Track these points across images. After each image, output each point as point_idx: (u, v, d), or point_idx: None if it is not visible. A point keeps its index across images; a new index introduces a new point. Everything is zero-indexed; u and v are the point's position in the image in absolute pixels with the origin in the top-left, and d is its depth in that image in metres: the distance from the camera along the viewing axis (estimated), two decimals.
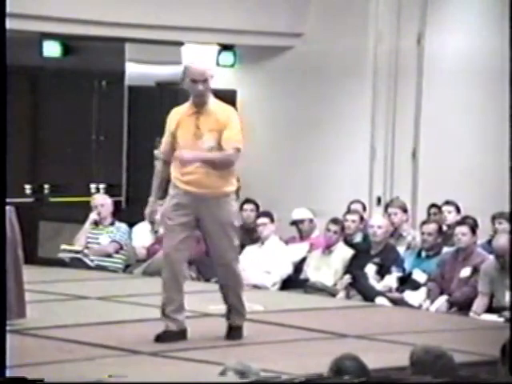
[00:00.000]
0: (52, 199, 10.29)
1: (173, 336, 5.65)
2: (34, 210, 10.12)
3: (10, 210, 6.17)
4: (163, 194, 5.84)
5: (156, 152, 10.31)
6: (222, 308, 6.87)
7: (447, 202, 9.00)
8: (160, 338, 5.63)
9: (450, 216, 8.85)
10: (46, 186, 10.29)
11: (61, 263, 9.06)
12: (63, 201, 10.18)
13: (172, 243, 5.61)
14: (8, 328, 5.64)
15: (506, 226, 8.22)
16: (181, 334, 5.68)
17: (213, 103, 5.79)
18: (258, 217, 9.02)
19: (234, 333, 5.82)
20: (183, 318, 5.70)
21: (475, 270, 7.56)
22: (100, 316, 6.21)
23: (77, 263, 8.92)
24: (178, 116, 5.74)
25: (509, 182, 5.66)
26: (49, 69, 10.16)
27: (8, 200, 5.72)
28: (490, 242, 8.10)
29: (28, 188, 10.35)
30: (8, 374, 4.29)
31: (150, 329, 6.04)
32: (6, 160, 5.45)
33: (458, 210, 8.95)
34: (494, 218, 8.43)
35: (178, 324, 5.68)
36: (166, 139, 5.76)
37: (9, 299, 6.01)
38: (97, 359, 5.31)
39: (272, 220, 8.83)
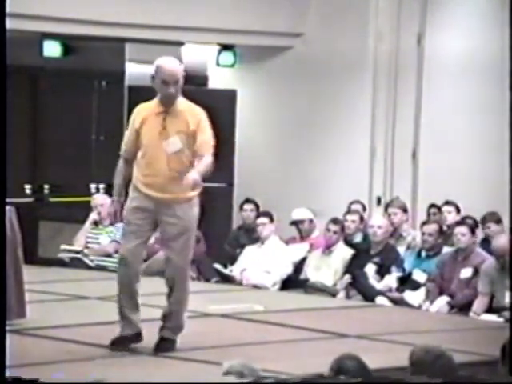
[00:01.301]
0: (52, 199, 10.29)
1: (127, 341, 5.46)
2: (34, 210, 10.12)
3: (10, 210, 6.17)
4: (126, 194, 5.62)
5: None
6: (222, 308, 6.87)
7: (447, 203, 9.01)
8: (115, 344, 5.45)
9: (450, 216, 8.85)
10: (46, 186, 10.28)
11: (61, 263, 9.06)
12: (63, 201, 10.17)
13: (129, 246, 5.43)
14: (8, 328, 5.64)
15: (494, 228, 8.15)
16: (135, 338, 5.49)
17: (181, 103, 5.59)
18: (257, 217, 9.02)
19: (164, 345, 5.50)
20: (138, 319, 5.51)
21: (476, 272, 7.56)
22: (100, 316, 6.20)
23: (77, 263, 8.92)
24: (144, 114, 5.47)
25: (509, 182, 5.66)
26: (49, 69, 10.15)
27: (8, 200, 5.72)
28: (483, 242, 8.09)
29: (28, 188, 10.34)
30: (8, 374, 4.29)
31: (150, 329, 6.04)
32: (6, 160, 5.44)
33: (457, 210, 8.94)
34: (484, 221, 8.30)
35: (132, 327, 5.49)
36: (129, 137, 5.50)
37: (9, 299, 6.01)
38: (97, 359, 5.30)
39: (272, 220, 8.83)
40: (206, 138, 5.55)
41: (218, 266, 8.93)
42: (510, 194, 5.58)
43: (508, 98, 5.91)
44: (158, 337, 5.56)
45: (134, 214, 5.43)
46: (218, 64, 10.67)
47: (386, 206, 9.26)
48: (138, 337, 5.51)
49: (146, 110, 5.50)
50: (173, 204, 5.43)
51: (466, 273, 7.65)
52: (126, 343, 5.47)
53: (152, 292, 5.99)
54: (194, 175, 5.37)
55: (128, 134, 5.54)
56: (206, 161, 5.49)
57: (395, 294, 7.93)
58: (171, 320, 5.58)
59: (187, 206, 5.47)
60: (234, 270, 8.86)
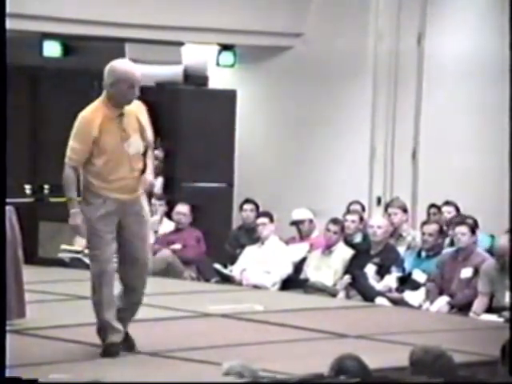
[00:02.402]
0: (52, 199, 10.28)
1: (119, 347, 5.40)
2: (34, 210, 10.12)
3: (9, 210, 6.16)
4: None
5: (156, 152, 10.36)
6: (222, 308, 6.87)
7: (447, 203, 9.01)
8: (106, 353, 5.36)
9: (450, 216, 8.85)
10: (46, 186, 10.28)
11: (61, 263, 9.06)
12: (63, 201, 10.16)
13: (106, 256, 5.37)
14: (8, 328, 5.64)
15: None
16: (127, 343, 5.45)
17: None
18: (257, 217, 9.02)
19: (111, 350, 5.38)
20: (121, 328, 5.44)
21: (476, 272, 7.56)
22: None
23: (77, 263, 8.91)
24: (99, 120, 5.34)
25: (509, 182, 5.66)
26: (49, 69, 10.16)
27: (8, 200, 5.71)
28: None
29: (28, 188, 10.34)
30: (8, 373, 4.29)
31: (150, 329, 6.04)
32: (6, 160, 5.44)
33: (457, 210, 8.94)
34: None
35: (120, 334, 5.43)
36: (83, 146, 5.32)
37: (9, 299, 6.01)
38: (97, 359, 5.30)
39: (272, 220, 8.83)
40: (150, 132, 5.58)
41: (218, 266, 8.93)
42: (510, 194, 5.57)
43: (508, 97, 5.91)
44: (125, 336, 5.46)
45: (102, 221, 5.35)
46: (218, 64, 10.67)
47: (386, 206, 9.26)
48: (126, 341, 5.46)
49: (98, 117, 5.38)
50: (136, 202, 5.45)
51: (466, 273, 7.65)
52: (117, 350, 5.40)
53: (152, 292, 5.98)
54: (150, 177, 5.46)
55: (81, 143, 5.32)
56: (152, 157, 5.55)
57: (395, 294, 7.93)
58: (128, 319, 5.50)
59: (144, 202, 5.50)
60: (233, 270, 8.86)
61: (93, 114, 5.40)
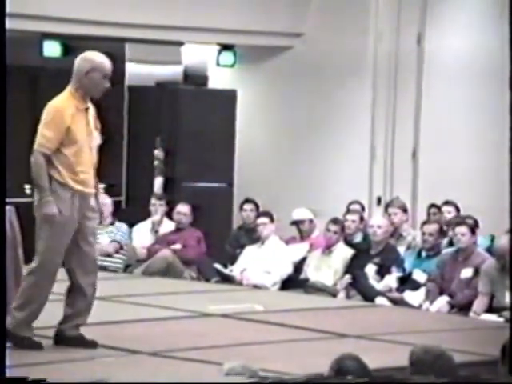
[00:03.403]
0: None
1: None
2: (33, 210, 10.11)
3: (10, 210, 6.16)
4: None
5: (156, 152, 10.37)
6: (222, 308, 6.87)
7: (447, 202, 9.00)
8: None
9: (450, 216, 8.85)
10: None
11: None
12: None
13: (62, 250, 5.36)
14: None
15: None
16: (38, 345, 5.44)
17: None
18: (257, 217, 9.02)
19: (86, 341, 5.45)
20: (32, 333, 5.44)
21: (476, 272, 7.56)
22: (100, 316, 6.20)
23: None
24: (71, 110, 5.39)
25: (509, 182, 5.65)
26: (49, 69, 10.15)
27: (8, 200, 5.72)
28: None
29: (28, 188, 10.34)
30: (8, 373, 4.29)
31: (150, 329, 6.04)
32: (6, 160, 5.44)
33: (457, 210, 8.94)
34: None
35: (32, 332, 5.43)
36: (57, 134, 5.33)
37: (8, 299, 6.01)
38: (97, 359, 5.30)
39: (272, 220, 8.83)
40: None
41: (218, 266, 8.93)
42: (510, 194, 5.57)
43: (508, 97, 5.91)
44: (76, 335, 5.47)
45: (69, 213, 5.35)
46: (218, 64, 10.68)
47: (386, 206, 9.26)
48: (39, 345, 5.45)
49: (70, 107, 5.43)
50: (90, 198, 5.50)
51: (466, 273, 7.65)
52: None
53: (152, 292, 6.00)
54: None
55: (54, 132, 5.33)
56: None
57: (395, 294, 7.93)
58: (84, 316, 5.51)
59: (93, 199, 5.55)
60: (234, 270, 8.86)
61: (64, 103, 5.44)
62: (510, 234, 7.22)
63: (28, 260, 6.48)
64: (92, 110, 5.59)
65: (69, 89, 5.50)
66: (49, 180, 5.37)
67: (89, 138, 5.47)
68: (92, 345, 5.47)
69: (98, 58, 5.50)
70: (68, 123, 5.39)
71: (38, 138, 5.39)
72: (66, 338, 5.50)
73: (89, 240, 5.47)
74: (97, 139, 5.54)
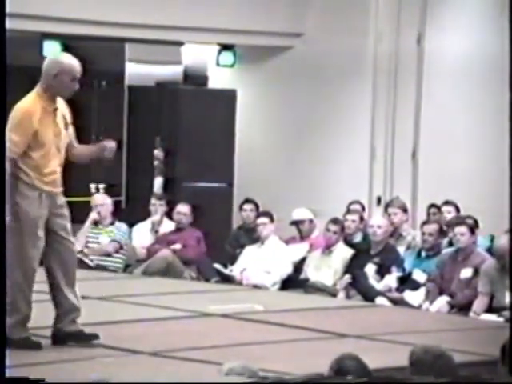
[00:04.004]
0: None
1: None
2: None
3: None
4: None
5: (156, 152, 10.36)
6: (222, 308, 6.86)
7: (446, 202, 9.00)
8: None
9: (450, 216, 8.84)
10: None
11: None
12: (69, 201, 10.18)
13: (37, 254, 5.38)
14: None
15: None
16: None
17: None
18: (257, 217, 9.02)
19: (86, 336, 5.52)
20: (29, 334, 5.45)
21: (476, 272, 7.56)
22: (100, 316, 6.20)
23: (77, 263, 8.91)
24: (39, 113, 5.38)
25: (508, 182, 5.66)
26: None
27: None
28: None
29: None
30: (8, 373, 4.29)
31: (150, 329, 6.04)
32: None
33: (457, 210, 8.94)
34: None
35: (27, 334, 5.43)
36: (22, 139, 5.33)
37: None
38: (97, 359, 5.30)
39: (272, 220, 8.83)
40: (72, 129, 5.69)
41: (218, 265, 8.93)
42: (510, 194, 5.57)
43: (508, 97, 5.91)
44: (76, 330, 5.48)
45: (38, 214, 5.38)
46: (217, 64, 10.68)
47: (386, 206, 9.26)
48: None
49: (37, 110, 5.42)
50: (60, 197, 5.54)
51: (466, 273, 7.65)
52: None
53: (152, 292, 6.00)
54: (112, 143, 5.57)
55: (21, 136, 5.33)
56: (80, 148, 5.70)
57: (395, 294, 7.93)
58: (77, 309, 5.53)
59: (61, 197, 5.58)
60: (234, 270, 8.86)
61: (31, 106, 5.44)
62: (510, 234, 7.23)
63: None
64: (63, 108, 5.57)
65: (37, 89, 5.51)
66: (18, 182, 5.38)
67: (57, 138, 5.47)
68: (94, 337, 5.47)
69: (65, 61, 5.50)
70: (36, 127, 5.39)
71: (6, 142, 5.35)
72: (66, 335, 5.49)
73: (62, 235, 5.49)
74: (65, 139, 5.52)
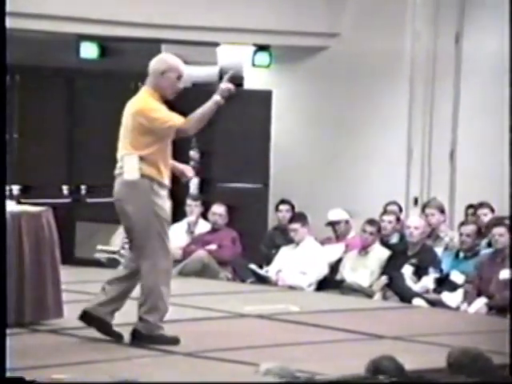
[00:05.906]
0: (89, 200, 10.34)
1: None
2: (70, 211, 10.18)
3: (47, 211, 6.21)
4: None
5: (192, 153, 10.36)
6: (257, 309, 6.86)
7: (481, 204, 8.91)
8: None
9: (486, 218, 8.75)
10: (83, 187, 10.34)
11: (97, 263, 9.09)
12: (100, 201, 10.22)
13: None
14: (46, 328, 5.67)
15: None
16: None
17: None
18: (291, 220, 8.99)
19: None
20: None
21: None
22: (135, 315, 6.22)
23: (114, 263, 8.95)
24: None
25: (508, 182, 5.59)
26: (85, 70, 10.21)
27: (45, 201, 5.76)
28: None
29: (65, 189, 10.41)
30: (44, 373, 4.30)
31: (185, 329, 6.04)
32: (6, 160, 5.44)
33: (492, 210, 8.85)
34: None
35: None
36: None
37: (46, 299, 6.05)
38: (133, 359, 5.32)
39: (305, 223, 8.80)
40: None
41: (253, 266, 8.92)
42: (511, 194, 5.50)
43: None
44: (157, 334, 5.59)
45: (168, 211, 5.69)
46: (253, 64, 10.67)
47: (423, 207, 9.20)
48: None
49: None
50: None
51: (504, 274, 7.57)
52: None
53: (189, 293, 6.00)
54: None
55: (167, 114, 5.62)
56: None
57: (432, 296, 7.87)
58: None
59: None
60: (269, 271, 8.84)
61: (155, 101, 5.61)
62: (510, 234, 7.12)
63: (65, 260, 6.52)
64: None
65: (146, 90, 5.68)
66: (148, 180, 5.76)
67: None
68: (174, 341, 5.55)
69: (172, 59, 5.70)
70: None
71: (163, 121, 5.53)
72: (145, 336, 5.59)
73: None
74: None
